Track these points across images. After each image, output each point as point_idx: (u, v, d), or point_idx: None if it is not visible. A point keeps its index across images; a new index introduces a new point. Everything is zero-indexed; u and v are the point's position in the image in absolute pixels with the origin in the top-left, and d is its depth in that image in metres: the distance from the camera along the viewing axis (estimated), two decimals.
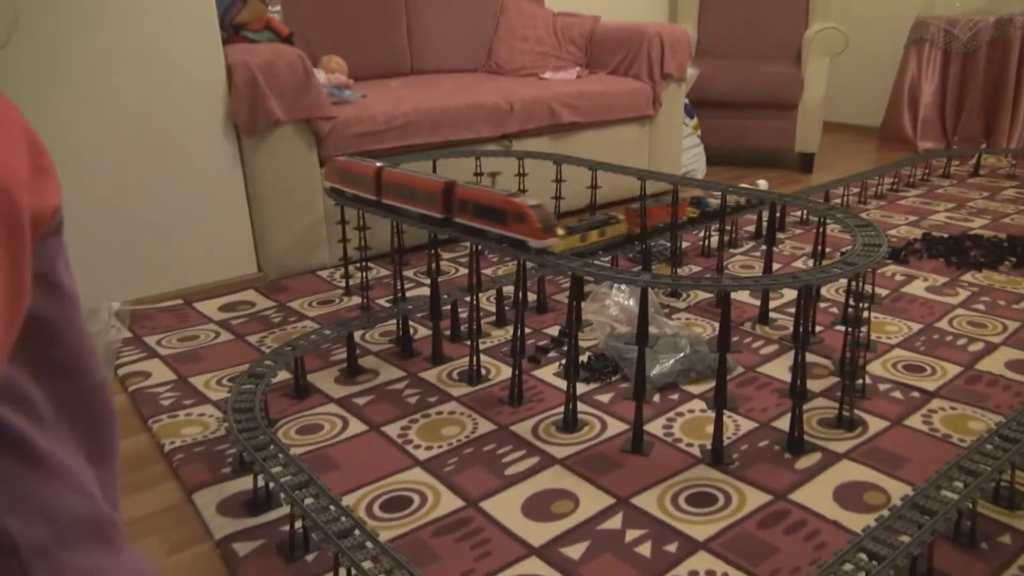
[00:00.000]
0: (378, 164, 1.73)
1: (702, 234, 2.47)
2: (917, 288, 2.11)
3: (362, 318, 1.77)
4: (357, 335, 1.83)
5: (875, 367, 1.67)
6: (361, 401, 1.58)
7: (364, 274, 2.04)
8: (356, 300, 2.10)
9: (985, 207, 2.90)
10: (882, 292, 2.08)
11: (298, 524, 1.14)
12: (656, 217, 2.08)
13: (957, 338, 1.81)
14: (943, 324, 1.88)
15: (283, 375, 1.65)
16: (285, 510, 1.22)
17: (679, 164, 3.26)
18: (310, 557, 1.14)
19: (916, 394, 1.56)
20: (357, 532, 1.03)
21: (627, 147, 3.00)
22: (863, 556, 0.97)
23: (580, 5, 3.46)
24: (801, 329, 1.33)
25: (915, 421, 1.46)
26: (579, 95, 2.78)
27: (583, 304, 1.92)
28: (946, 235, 2.52)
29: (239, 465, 1.36)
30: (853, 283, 1.44)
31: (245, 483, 1.30)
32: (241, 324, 1.97)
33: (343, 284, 2.21)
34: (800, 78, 3.46)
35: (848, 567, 0.96)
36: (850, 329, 1.44)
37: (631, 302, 1.84)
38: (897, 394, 1.56)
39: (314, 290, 2.19)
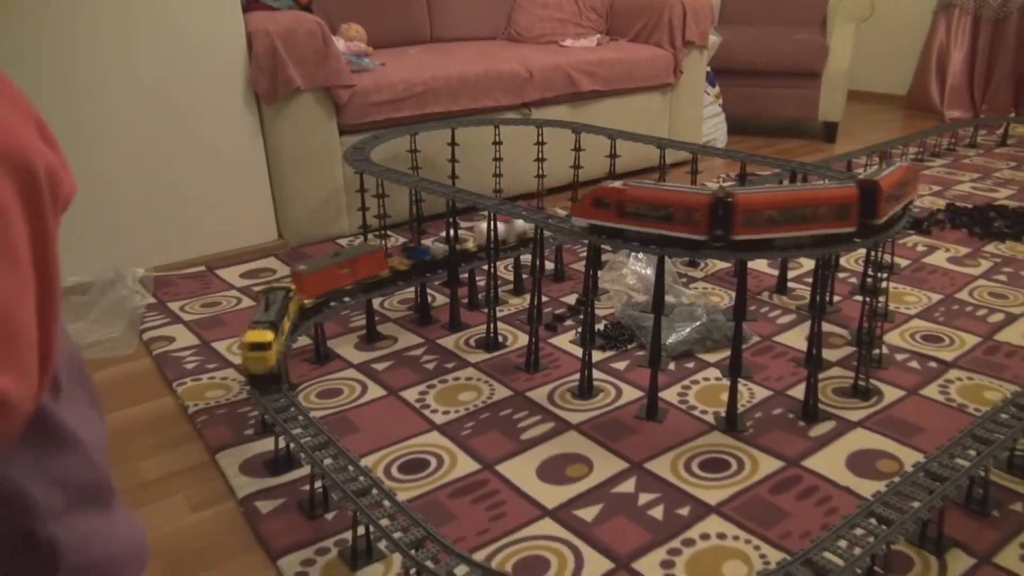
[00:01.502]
0: (715, 186, 1.28)
1: None
2: (938, 259, 2.10)
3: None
4: (376, 302, 1.85)
5: (892, 337, 1.67)
6: (380, 367, 1.61)
7: (383, 242, 2.05)
8: None
9: (1012, 177, 2.86)
10: (903, 262, 2.06)
11: (318, 484, 1.18)
12: (364, 269, 1.63)
13: (977, 309, 1.79)
14: (963, 295, 1.87)
15: (304, 340, 1.68)
16: (306, 470, 1.25)
17: (700, 133, 3.23)
18: (330, 515, 1.17)
19: (933, 364, 1.56)
20: (375, 491, 1.05)
21: (647, 116, 2.97)
22: (873, 521, 0.99)
23: None
24: (818, 298, 1.33)
25: (931, 391, 1.46)
26: (599, 63, 2.75)
27: (600, 273, 1.93)
28: (970, 205, 2.49)
29: (261, 427, 1.39)
30: (872, 252, 1.44)
31: (267, 444, 1.33)
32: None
33: None
34: (825, 45, 3.40)
35: (858, 531, 0.98)
36: (867, 299, 1.44)
37: (648, 271, 1.84)
38: (914, 364, 1.56)
39: None
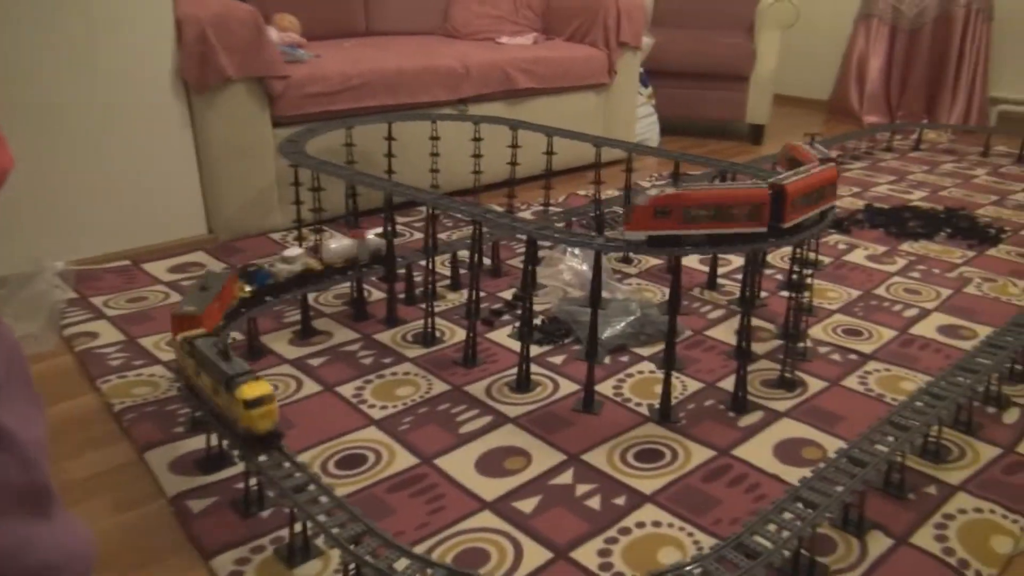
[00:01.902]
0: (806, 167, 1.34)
1: None
2: (858, 256, 2.19)
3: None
4: (311, 297, 1.82)
5: (816, 331, 1.74)
6: (315, 362, 1.58)
7: (318, 236, 2.02)
8: None
9: (924, 180, 3.01)
10: (825, 260, 2.15)
11: (252, 481, 1.15)
12: (227, 299, 1.47)
13: (893, 304, 1.88)
14: (881, 291, 1.96)
15: (235, 336, 1.64)
16: (239, 468, 1.23)
17: (633, 132, 3.29)
18: (265, 513, 1.15)
19: (853, 356, 1.63)
20: (312, 487, 1.04)
21: (582, 114, 3.01)
22: (799, 505, 1.03)
23: None
24: (748, 293, 1.38)
25: (851, 382, 1.53)
26: (535, 60, 2.77)
27: (537, 268, 1.95)
28: (887, 206, 2.61)
29: (191, 425, 1.36)
30: (797, 249, 1.49)
31: (198, 442, 1.30)
32: (192, 286, 1.95)
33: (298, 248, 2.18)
34: (752, 50, 3.50)
35: (786, 515, 1.02)
36: (793, 294, 1.49)
37: (584, 267, 1.87)
38: (836, 356, 1.63)
39: (266, 252, 2.17)
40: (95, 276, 1.98)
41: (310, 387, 1.49)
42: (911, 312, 1.84)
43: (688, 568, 0.94)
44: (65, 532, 0.57)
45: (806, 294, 1.52)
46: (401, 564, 0.92)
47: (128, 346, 1.64)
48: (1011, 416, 1.42)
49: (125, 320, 1.75)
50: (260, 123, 2.20)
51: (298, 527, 1.06)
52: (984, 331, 1.72)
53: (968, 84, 3.83)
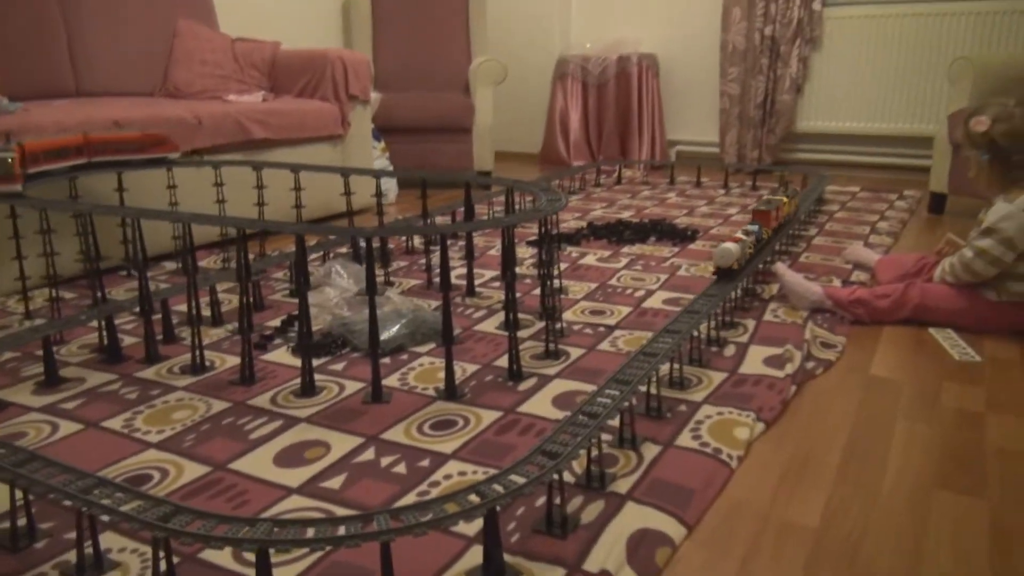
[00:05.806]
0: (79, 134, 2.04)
1: (404, 239, 2.61)
2: (590, 260, 2.48)
3: (55, 321, 1.61)
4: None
5: (567, 315, 1.94)
6: (70, 405, 1.44)
7: (50, 263, 1.81)
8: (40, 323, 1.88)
9: (630, 203, 3.47)
10: (563, 266, 2.40)
11: (23, 515, 1.03)
12: None
13: (625, 289, 2.16)
14: (613, 281, 2.24)
15: None
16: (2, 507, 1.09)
17: (372, 182, 3.40)
18: (40, 544, 1.03)
19: (602, 329, 1.85)
20: (98, 491, 0.96)
21: (320, 165, 3.06)
22: (583, 423, 1.16)
23: (254, 32, 3.46)
24: (508, 259, 1.52)
25: (605, 346, 1.73)
26: (268, 112, 2.80)
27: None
28: (604, 224, 2.98)
29: None
30: (544, 233, 1.68)
31: None
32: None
33: (22, 310, 1.96)
34: (471, 104, 3.83)
35: (564, 436, 1.14)
36: (544, 271, 1.67)
37: (351, 282, 1.91)
38: (588, 331, 1.83)
39: None
40: None
41: (69, 428, 1.36)
42: (640, 293, 2.13)
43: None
44: None
45: (556, 272, 1.70)
46: (225, 529, 0.88)
47: None
48: (729, 351, 1.70)
49: None
50: None
51: (88, 550, 0.96)
52: None
53: (650, 129, 4.50)
